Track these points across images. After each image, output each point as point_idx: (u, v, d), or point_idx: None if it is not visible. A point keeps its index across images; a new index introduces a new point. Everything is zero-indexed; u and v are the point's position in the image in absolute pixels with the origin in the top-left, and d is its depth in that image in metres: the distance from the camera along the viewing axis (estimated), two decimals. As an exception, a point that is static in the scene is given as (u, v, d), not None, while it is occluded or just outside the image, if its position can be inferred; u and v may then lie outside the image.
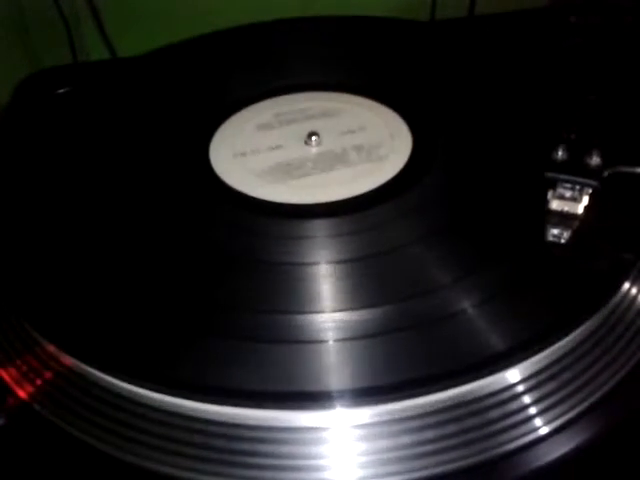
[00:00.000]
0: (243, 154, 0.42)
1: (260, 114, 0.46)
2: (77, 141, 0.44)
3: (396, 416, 0.28)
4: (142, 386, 0.29)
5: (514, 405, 0.29)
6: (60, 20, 0.61)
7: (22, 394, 0.31)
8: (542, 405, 0.29)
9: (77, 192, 0.40)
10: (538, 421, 0.29)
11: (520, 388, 0.30)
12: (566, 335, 0.30)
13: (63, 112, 0.49)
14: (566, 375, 0.30)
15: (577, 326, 0.30)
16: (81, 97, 0.50)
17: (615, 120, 0.40)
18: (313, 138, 0.42)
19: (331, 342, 0.30)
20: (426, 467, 0.28)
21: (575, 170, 0.34)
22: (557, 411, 0.29)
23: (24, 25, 0.61)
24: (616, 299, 0.32)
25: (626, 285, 0.33)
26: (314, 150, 0.42)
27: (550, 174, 0.34)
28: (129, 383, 0.30)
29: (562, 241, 0.33)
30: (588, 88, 0.43)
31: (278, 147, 0.43)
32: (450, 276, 0.32)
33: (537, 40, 0.53)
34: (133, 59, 0.54)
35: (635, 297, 0.33)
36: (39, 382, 0.31)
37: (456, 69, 0.49)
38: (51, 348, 0.32)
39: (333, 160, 0.41)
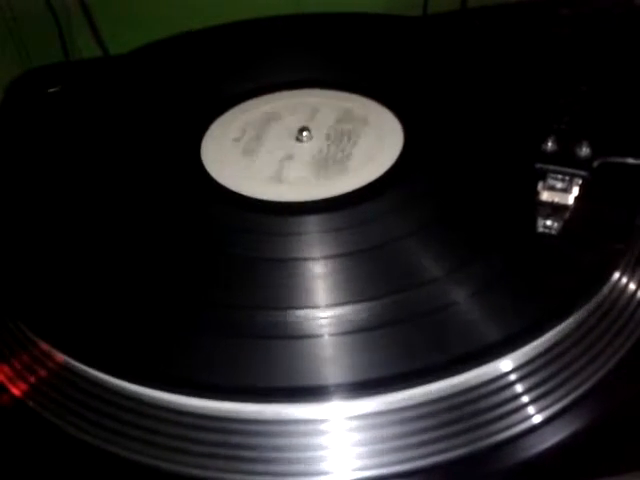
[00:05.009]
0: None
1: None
2: (69, 140, 0.44)
3: (391, 407, 0.29)
4: (136, 383, 0.30)
5: (507, 395, 0.29)
6: (51, 18, 0.61)
7: (16, 392, 0.31)
8: (534, 394, 0.30)
9: (69, 191, 0.40)
10: (530, 410, 0.29)
11: (512, 378, 0.30)
12: (558, 325, 0.30)
13: (55, 111, 0.48)
14: (557, 364, 0.30)
15: (568, 316, 0.31)
16: (72, 96, 0.50)
17: (605, 111, 0.40)
18: (304, 134, 0.42)
19: (326, 336, 0.30)
20: (421, 457, 0.28)
21: (565, 161, 0.34)
22: (549, 400, 0.30)
23: (15, 24, 0.61)
24: (606, 289, 0.33)
25: (616, 275, 0.33)
26: (306, 146, 0.42)
27: (540, 165, 0.34)
28: (123, 380, 0.30)
29: (553, 232, 0.33)
30: (578, 79, 0.44)
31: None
32: (442, 268, 0.33)
33: (528, 32, 0.53)
34: (123, 56, 0.53)
35: (625, 286, 0.33)
36: (33, 380, 0.32)
37: (448, 62, 0.49)
38: (45, 346, 0.32)
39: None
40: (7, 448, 0.30)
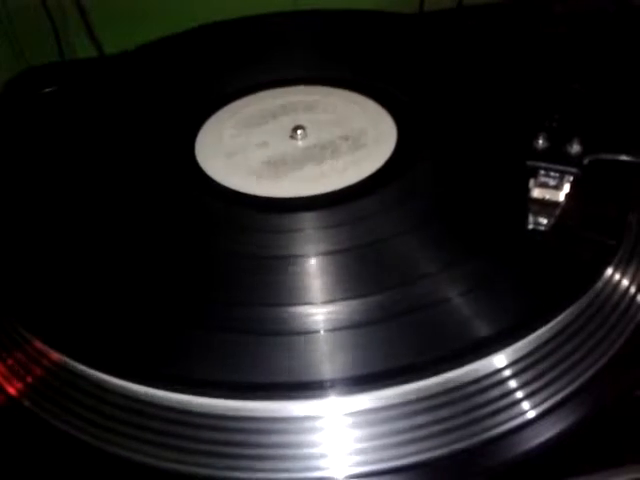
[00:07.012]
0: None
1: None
2: (65, 140, 0.44)
3: (386, 403, 0.29)
4: (132, 381, 0.30)
5: (501, 390, 0.30)
6: (47, 19, 0.61)
7: (11, 391, 0.32)
8: (528, 389, 0.30)
9: (65, 190, 0.40)
10: (524, 406, 0.29)
11: (507, 373, 0.30)
12: (551, 320, 0.31)
13: (51, 111, 0.49)
14: (551, 360, 0.30)
15: (561, 311, 0.31)
16: (68, 95, 0.50)
17: (596, 108, 0.40)
18: (298, 132, 0.42)
19: (322, 332, 0.30)
20: (417, 452, 0.28)
21: (556, 158, 0.34)
22: (543, 395, 0.30)
23: (10, 24, 0.61)
24: (599, 285, 0.33)
25: (608, 271, 0.33)
26: (300, 144, 0.42)
27: (531, 162, 0.34)
28: (119, 378, 0.30)
29: (544, 229, 0.33)
30: (571, 77, 0.44)
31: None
32: (436, 265, 0.33)
33: (522, 29, 0.53)
34: (118, 56, 0.54)
35: (617, 283, 0.34)
36: (28, 379, 0.32)
37: (442, 60, 0.49)
38: (39, 345, 0.32)
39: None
40: (2, 447, 0.30)
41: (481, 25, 0.56)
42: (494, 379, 0.30)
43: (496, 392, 0.29)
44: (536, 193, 0.34)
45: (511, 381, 0.30)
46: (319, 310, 0.31)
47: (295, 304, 0.31)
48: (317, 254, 0.34)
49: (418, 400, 0.29)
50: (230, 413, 0.29)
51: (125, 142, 0.44)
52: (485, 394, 0.29)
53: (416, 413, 0.29)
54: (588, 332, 0.32)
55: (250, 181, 0.39)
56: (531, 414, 0.29)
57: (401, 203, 0.37)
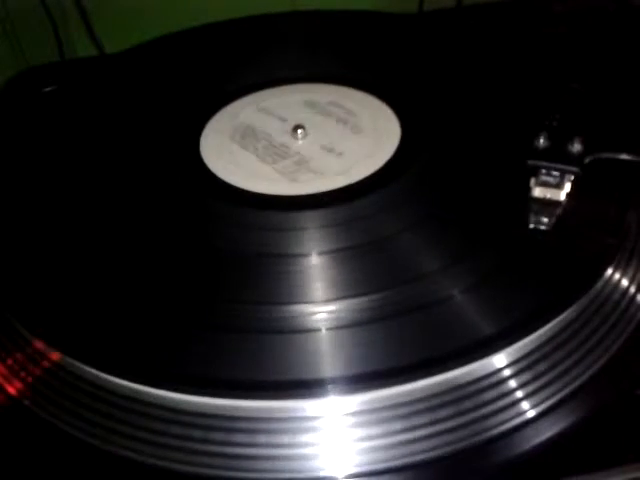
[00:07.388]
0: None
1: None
2: (65, 139, 0.44)
3: (387, 403, 0.29)
4: (132, 381, 0.30)
5: (502, 389, 0.30)
6: (47, 18, 0.61)
7: (12, 391, 0.32)
8: (528, 389, 0.30)
9: (65, 190, 0.40)
10: (525, 405, 0.29)
11: (507, 372, 0.30)
12: (551, 320, 0.31)
13: (51, 110, 0.49)
14: (551, 359, 0.30)
15: (562, 311, 0.31)
16: (68, 95, 0.50)
17: (597, 107, 0.40)
18: (299, 131, 0.42)
19: (323, 331, 0.30)
20: (417, 452, 0.28)
21: (557, 157, 0.34)
22: (543, 395, 0.30)
23: (10, 23, 0.61)
24: (600, 284, 0.33)
25: (609, 270, 0.33)
26: (302, 142, 0.42)
27: (532, 161, 0.34)
28: (119, 378, 0.30)
29: (545, 228, 0.33)
30: (571, 76, 0.44)
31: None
32: (436, 264, 0.33)
33: (522, 29, 0.53)
34: (118, 55, 0.54)
35: (618, 281, 0.34)
36: (28, 378, 0.32)
37: (443, 59, 0.49)
38: (40, 344, 0.32)
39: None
40: (2, 447, 0.30)
41: (481, 25, 0.56)
42: (494, 378, 0.30)
43: (496, 391, 0.29)
44: (537, 192, 0.34)
45: (511, 380, 0.30)
46: (320, 309, 0.31)
47: (296, 302, 0.31)
48: (318, 252, 0.34)
49: (418, 400, 0.29)
50: (230, 413, 0.29)
51: (126, 142, 0.44)
52: (485, 393, 0.29)
53: (416, 413, 0.29)
54: (588, 331, 0.32)
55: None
56: (531, 413, 0.29)
57: (403, 201, 0.37)
